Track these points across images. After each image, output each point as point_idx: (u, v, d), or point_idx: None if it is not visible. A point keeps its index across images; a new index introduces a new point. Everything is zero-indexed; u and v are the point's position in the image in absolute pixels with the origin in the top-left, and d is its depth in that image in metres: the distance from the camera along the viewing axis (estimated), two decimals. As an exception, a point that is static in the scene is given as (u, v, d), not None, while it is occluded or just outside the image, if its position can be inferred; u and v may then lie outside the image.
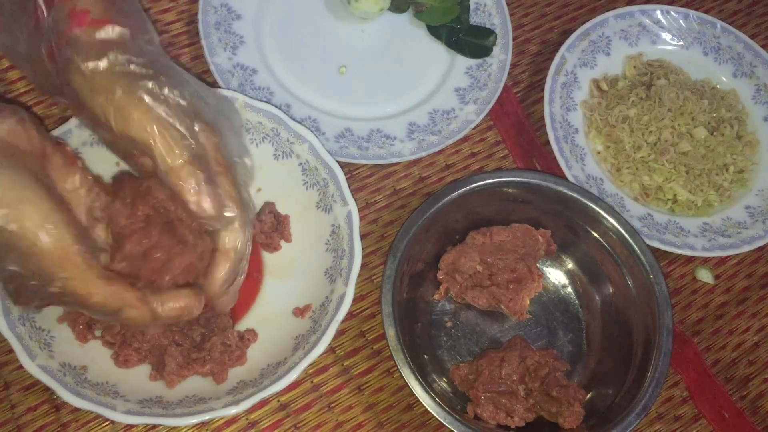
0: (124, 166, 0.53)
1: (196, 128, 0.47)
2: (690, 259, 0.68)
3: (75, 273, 0.42)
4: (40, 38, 0.49)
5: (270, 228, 0.59)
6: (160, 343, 0.53)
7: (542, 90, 0.69)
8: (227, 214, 0.47)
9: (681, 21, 0.75)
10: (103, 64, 0.45)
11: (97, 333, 0.53)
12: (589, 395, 0.57)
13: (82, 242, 0.43)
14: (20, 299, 0.45)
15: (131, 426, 0.54)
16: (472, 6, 0.72)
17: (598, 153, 0.69)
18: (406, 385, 0.52)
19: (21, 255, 0.41)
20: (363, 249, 0.56)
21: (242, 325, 0.56)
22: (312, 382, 0.58)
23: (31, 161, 0.44)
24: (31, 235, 0.41)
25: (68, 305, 0.48)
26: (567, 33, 0.73)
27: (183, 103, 0.47)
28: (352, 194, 0.57)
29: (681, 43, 0.75)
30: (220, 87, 0.63)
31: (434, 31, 0.72)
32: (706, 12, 0.77)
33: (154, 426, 0.54)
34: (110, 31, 0.46)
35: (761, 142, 0.72)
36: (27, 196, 0.42)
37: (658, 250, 0.63)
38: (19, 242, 0.41)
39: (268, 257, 0.59)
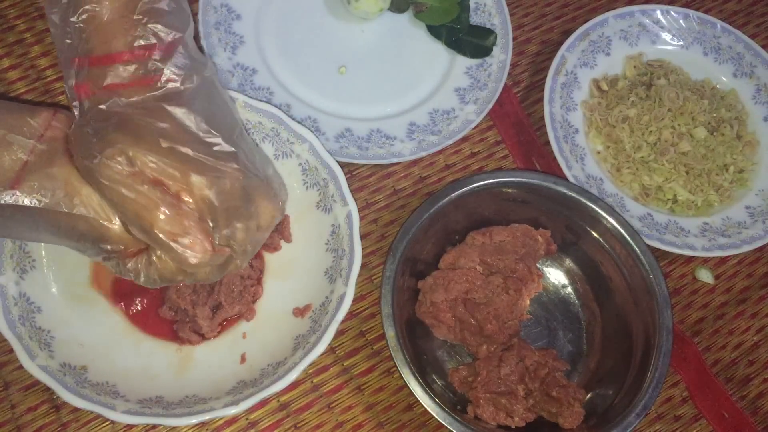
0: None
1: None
2: (690, 259, 0.68)
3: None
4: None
5: (270, 228, 0.59)
6: (181, 307, 0.55)
7: (542, 90, 0.69)
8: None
9: (681, 21, 0.75)
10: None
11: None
12: (589, 395, 0.57)
13: None
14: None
15: (131, 426, 0.54)
16: (472, 6, 0.72)
17: (598, 153, 0.69)
18: (406, 385, 0.52)
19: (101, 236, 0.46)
20: (363, 249, 0.56)
21: (242, 326, 0.57)
22: (312, 382, 0.58)
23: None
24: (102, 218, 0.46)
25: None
26: (567, 33, 0.73)
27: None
28: (352, 194, 0.57)
29: (681, 43, 0.75)
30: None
31: (434, 31, 0.72)
32: (706, 12, 0.77)
33: (154, 426, 0.54)
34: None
35: (761, 142, 0.72)
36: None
37: (658, 250, 0.63)
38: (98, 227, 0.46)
39: (268, 257, 0.59)
